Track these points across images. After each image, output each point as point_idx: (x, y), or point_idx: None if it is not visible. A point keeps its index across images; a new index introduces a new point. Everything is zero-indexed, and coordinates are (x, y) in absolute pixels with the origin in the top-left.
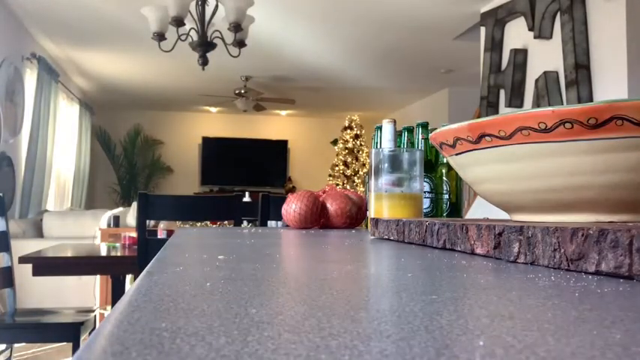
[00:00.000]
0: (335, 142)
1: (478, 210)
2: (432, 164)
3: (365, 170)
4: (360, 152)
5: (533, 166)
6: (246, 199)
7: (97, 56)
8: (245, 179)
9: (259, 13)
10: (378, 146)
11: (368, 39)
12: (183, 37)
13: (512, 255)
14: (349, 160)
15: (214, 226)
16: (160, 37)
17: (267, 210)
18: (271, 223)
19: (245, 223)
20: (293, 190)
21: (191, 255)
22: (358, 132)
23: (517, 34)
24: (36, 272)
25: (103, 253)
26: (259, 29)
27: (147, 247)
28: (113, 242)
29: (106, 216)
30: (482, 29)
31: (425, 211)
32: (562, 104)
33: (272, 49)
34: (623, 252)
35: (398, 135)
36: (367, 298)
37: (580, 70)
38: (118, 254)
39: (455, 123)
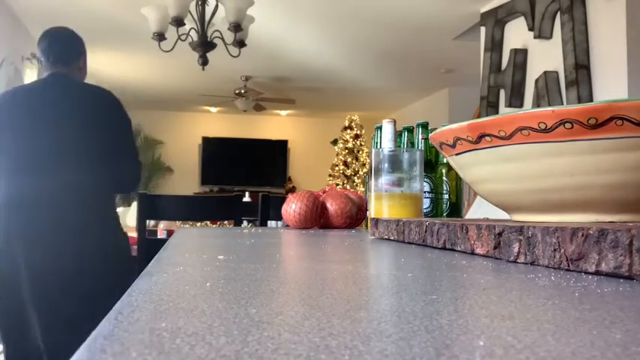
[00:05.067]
0: (335, 142)
1: (478, 210)
2: (432, 164)
3: (365, 170)
4: (360, 152)
5: (533, 166)
6: (246, 199)
7: (98, 56)
8: (245, 179)
9: (259, 13)
10: (378, 146)
11: (368, 39)
12: (183, 37)
13: (512, 255)
14: (349, 160)
15: (214, 226)
16: (160, 37)
17: (267, 210)
18: (271, 223)
19: (245, 223)
20: (293, 190)
21: (191, 255)
22: (358, 132)
23: (517, 34)
24: None
25: None
26: (259, 29)
27: (147, 247)
28: None
29: None
30: (482, 29)
31: (425, 211)
32: (562, 104)
33: (272, 49)
34: (623, 252)
35: (398, 135)
36: (367, 298)
37: (580, 70)
38: None
39: (455, 123)
